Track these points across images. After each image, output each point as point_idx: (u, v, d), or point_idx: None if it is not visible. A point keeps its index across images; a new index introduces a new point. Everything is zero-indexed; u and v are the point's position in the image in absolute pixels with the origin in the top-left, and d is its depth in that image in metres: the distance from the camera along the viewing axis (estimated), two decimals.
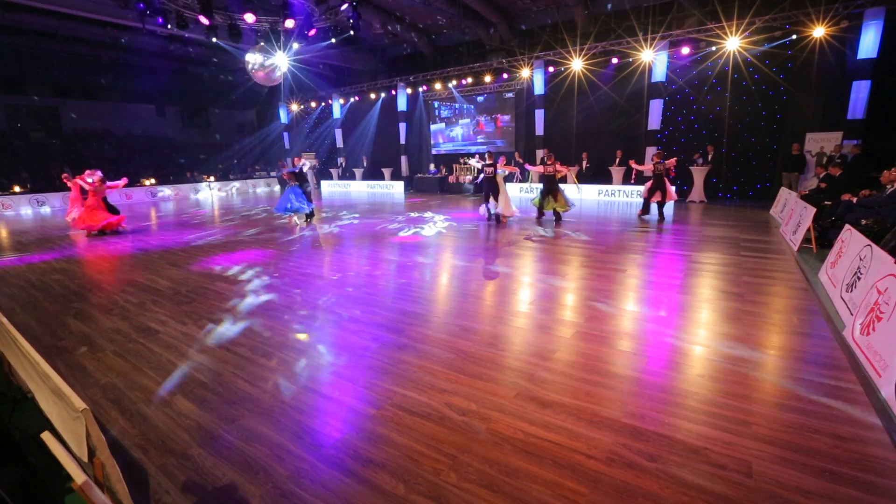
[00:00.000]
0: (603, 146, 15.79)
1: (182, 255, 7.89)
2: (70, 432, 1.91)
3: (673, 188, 10.57)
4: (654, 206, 10.55)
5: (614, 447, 2.48)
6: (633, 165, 11.51)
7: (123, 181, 10.99)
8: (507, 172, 10.80)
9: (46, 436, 1.67)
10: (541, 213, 10.66)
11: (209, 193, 22.25)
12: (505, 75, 17.55)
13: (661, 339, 3.89)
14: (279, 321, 4.57)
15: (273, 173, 26.06)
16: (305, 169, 10.96)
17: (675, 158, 10.37)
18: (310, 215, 11.00)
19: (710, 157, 13.66)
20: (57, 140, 21.70)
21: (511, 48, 17.34)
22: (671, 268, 6.23)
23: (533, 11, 16.79)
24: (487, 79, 17.64)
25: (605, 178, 15.68)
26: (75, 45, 19.10)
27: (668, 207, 11.43)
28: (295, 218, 10.98)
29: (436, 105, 20.72)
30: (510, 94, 18.47)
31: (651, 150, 14.85)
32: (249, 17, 14.37)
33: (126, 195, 19.31)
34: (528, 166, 12.28)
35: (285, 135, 25.87)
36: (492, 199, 10.39)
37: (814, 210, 6.86)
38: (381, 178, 21.68)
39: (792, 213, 8.21)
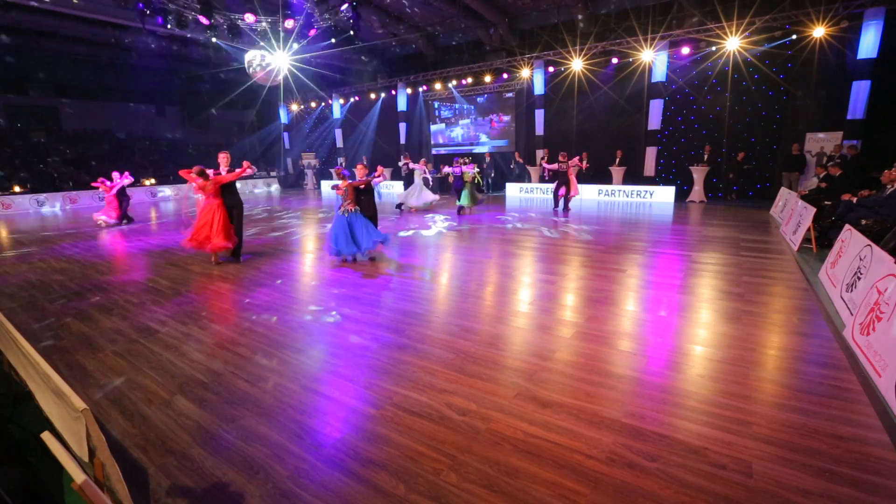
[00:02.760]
0: (603, 146, 15.79)
1: (182, 255, 7.88)
2: (70, 432, 1.91)
3: (576, 183, 12.50)
4: (562, 201, 12.32)
5: (614, 447, 2.48)
6: (544, 165, 12.70)
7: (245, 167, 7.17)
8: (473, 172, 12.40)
9: (46, 436, 1.66)
10: (462, 209, 12.35)
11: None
12: (505, 75, 17.55)
13: (661, 339, 3.89)
14: (279, 321, 4.57)
15: (273, 173, 26.05)
16: (377, 180, 7.06)
17: (576, 158, 12.16)
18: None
19: (706, 156, 13.70)
20: (57, 140, 21.70)
21: (511, 48, 17.34)
22: (671, 268, 6.23)
23: (533, 11, 16.79)
24: (487, 79, 17.65)
25: (605, 178, 15.69)
26: (75, 45, 19.10)
27: (574, 201, 13.05)
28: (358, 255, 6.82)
29: (436, 105, 20.71)
30: (510, 94, 18.48)
31: (652, 151, 14.88)
32: (249, 17, 14.38)
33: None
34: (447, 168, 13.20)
35: (285, 135, 25.87)
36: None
37: (814, 210, 6.86)
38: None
39: (792, 213, 8.21)
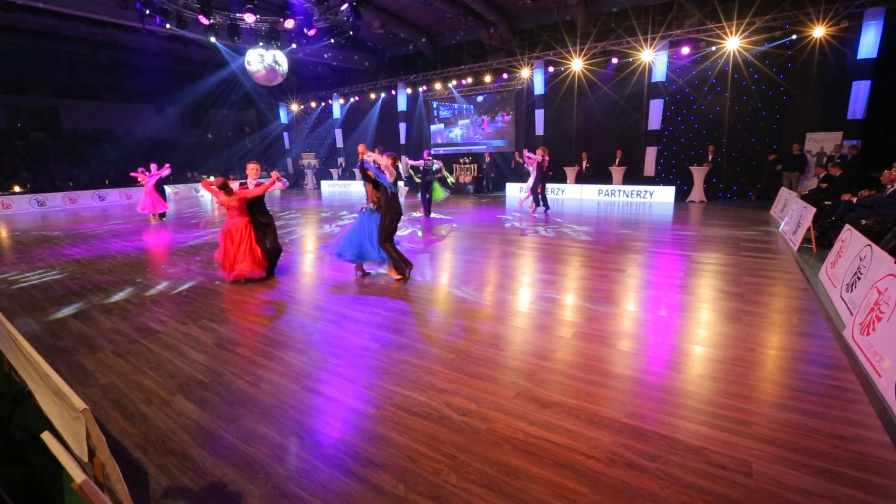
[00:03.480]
0: (603, 146, 15.79)
1: (182, 255, 7.89)
2: (70, 432, 1.91)
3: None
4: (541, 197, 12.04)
5: (614, 447, 2.48)
6: (527, 154, 12.27)
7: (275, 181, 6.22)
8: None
9: (46, 436, 1.66)
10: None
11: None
12: (505, 75, 17.55)
13: (661, 339, 3.89)
14: (279, 321, 4.57)
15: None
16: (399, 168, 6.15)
17: (547, 158, 11.89)
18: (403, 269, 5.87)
19: (710, 157, 13.69)
20: (57, 140, 21.70)
21: (511, 48, 17.34)
22: (671, 268, 6.23)
23: (533, 11, 16.79)
24: (487, 79, 17.65)
25: (605, 178, 15.69)
26: (75, 45, 19.11)
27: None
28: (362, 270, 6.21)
29: (434, 105, 20.70)
30: (510, 94, 18.47)
31: (652, 151, 14.88)
32: (249, 17, 14.38)
33: (126, 195, 19.33)
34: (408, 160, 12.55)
35: (285, 135, 25.87)
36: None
37: (814, 210, 6.86)
38: None
39: (792, 213, 8.21)
